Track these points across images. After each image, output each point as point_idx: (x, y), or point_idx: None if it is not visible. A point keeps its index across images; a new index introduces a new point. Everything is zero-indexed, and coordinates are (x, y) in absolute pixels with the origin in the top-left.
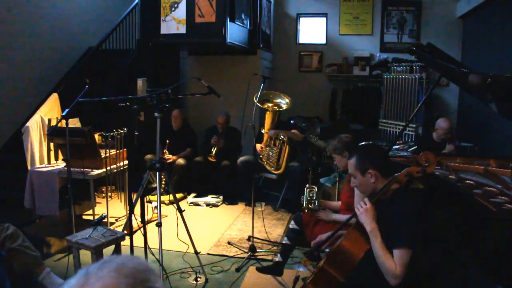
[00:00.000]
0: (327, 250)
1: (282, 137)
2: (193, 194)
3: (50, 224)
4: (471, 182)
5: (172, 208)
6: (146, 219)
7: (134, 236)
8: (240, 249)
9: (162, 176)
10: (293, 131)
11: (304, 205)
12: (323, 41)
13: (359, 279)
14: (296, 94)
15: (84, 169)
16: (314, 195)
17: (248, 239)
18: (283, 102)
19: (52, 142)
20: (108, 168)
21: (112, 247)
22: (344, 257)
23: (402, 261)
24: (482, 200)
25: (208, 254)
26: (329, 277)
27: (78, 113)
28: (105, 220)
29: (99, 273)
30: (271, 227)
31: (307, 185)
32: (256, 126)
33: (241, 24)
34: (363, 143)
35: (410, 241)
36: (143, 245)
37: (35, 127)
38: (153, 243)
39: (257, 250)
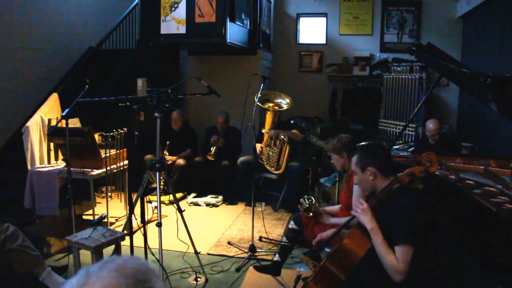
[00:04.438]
0: (327, 249)
1: (283, 137)
2: (193, 194)
3: (50, 224)
4: (471, 182)
5: (172, 208)
6: (146, 219)
7: (134, 236)
8: (240, 249)
9: (162, 176)
10: (293, 131)
11: (305, 210)
12: (323, 41)
13: (360, 278)
14: (296, 94)
15: (84, 169)
16: (313, 201)
17: (260, 239)
18: (284, 102)
19: (52, 142)
20: (108, 168)
21: (112, 247)
22: (345, 256)
23: (404, 257)
24: (482, 200)
25: (208, 254)
26: (331, 275)
27: (78, 113)
28: (105, 220)
29: (100, 273)
30: (271, 227)
31: (304, 196)
32: (256, 126)
33: (241, 24)
34: (364, 143)
35: (410, 238)
36: (143, 245)
37: (35, 127)
38: (153, 243)
39: (257, 250)
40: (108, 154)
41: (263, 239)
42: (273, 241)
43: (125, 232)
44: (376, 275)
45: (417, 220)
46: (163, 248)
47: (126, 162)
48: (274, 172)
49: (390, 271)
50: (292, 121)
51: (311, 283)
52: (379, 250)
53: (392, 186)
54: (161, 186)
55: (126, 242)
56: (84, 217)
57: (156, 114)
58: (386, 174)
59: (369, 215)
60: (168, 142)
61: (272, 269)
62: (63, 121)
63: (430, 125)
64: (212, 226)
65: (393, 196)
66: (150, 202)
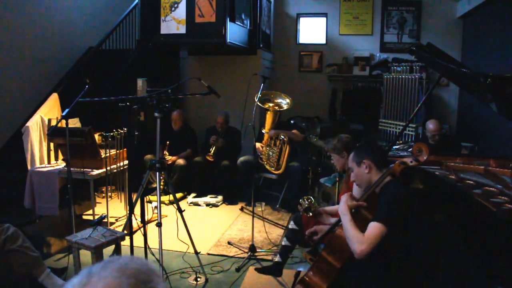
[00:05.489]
0: (323, 246)
1: (283, 137)
2: (193, 194)
3: (50, 224)
4: (471, 182)
5: (172, 208)
6: (146, 219)
7: (134, 236)
8: (240, 249)
9: (162, 176)
10: (293, 131)
11: (304, 210)
12: (323, 41)
13: (355, 268)
14: (296, 94)
15: (84, 169)
16: (313, 201)
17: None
18: (284, 102)
19: (52, 142)
20: (108, 168)
21: (112, 247)
22: (340, 245)
23: (372, 232)
24: (482, 200)
25: (208, 254)
26: (327, 264)
27: (78, 113)
28: (105, 220)
29: (102, 273)
30: (271, 227)
31: (304, 197)
32: (256, 126)
33: (241, 24)
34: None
35: (385, 218)
36: (143, 245)
37: (35, 127)
38: (153, 243)
39: (257, 250)
40: (108, 154)
41: (244, 210)
42: (257, 215)
43: (125, 232)
44: (370, 266)
45: (396, 204)
46: (163, 248)
47: (126, 162)
48: (274, 172)
49: (351, 243)
50: (292, 121)
51: (309, 273)
52: (345, 226)
53: (385, 177)
54: (161, 186)
55: (126, 242)
56: (84, 217)
57: (156, 114)
58: (380, 168)
59: (343, 200)
60: (168, 142)
61: (273, 269)
62: (63, 121)
63: (430, 125)
64: (212, 226)
65: (385, 189)
66: (150, 202)
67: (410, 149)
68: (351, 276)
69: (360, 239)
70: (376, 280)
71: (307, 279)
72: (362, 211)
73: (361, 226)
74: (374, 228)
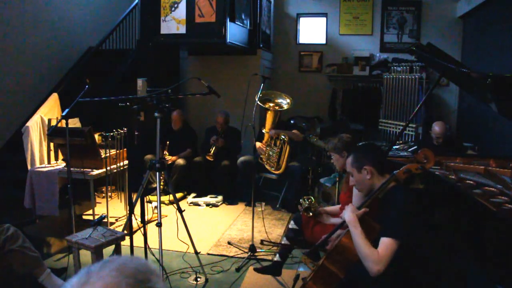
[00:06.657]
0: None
1: (283, 137)
2: (193, 194)
3: (50, 224)
4: (471, 182)
5: (172, 208)
6: (146, 219)
7: (134, 236)
8: (240, 249)
9: (162, 176)
10: (293, 131)
11: (304, 210)
12: (323, 41)
13: (359, 277)
14: (296, 94)
15: (84, 169)
16: (313, 201)
17: (262, 243)
18: (284, 102)
19: (52, 142)
20: (108, 168)
21: (112, 247)
22: (344, 254)
23: (385, 249)
24: (482, 200)
25: (208, 254)
26: (329, 274)
27: (78, 113)
28: (105, 220)
29: (101, 272)
30: (271, 227)
31: (304, 197)
32: (256, 126)
33: (241, 24)
34: (361, 143)
35: (397, 233)
36: (143, 245)
37: (35, 127)
38: (153, 243)
39: (257, 250)
40: (108, 154)
41: (264, 243)
42: (275, 244)
43: (125, 232)
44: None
45: (408, 217)
46: (163, 248)
47: (126, 162)
48: (274, 172)
49: (366, 261)
50: (292, 121)
51: (310, 282)
52: (356, 241)
53: (389, 183)
54: (161, 186)
55: (126, 242)
56: (84, 217)
57: (156, 114)
58: (382, 172)
59: (349, 210)
60: (168, 142)
61: (273, 269)
62: (63, 121)
63: (436, 127)
64: (212, 226)
65: (390, 194)
66: (150, 202)
67: (411, 149)
68: (351, 277)
69: (376, 259)
70: (376, 281)
71: (307, 287)
72: (365, 216)
73: (365, 233)
74: (388, 245)
